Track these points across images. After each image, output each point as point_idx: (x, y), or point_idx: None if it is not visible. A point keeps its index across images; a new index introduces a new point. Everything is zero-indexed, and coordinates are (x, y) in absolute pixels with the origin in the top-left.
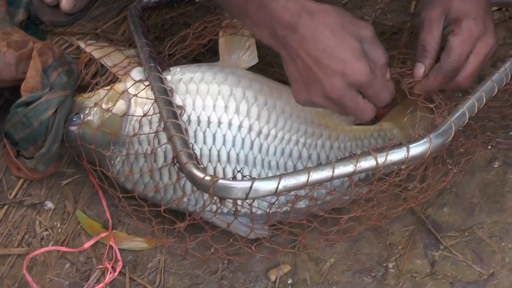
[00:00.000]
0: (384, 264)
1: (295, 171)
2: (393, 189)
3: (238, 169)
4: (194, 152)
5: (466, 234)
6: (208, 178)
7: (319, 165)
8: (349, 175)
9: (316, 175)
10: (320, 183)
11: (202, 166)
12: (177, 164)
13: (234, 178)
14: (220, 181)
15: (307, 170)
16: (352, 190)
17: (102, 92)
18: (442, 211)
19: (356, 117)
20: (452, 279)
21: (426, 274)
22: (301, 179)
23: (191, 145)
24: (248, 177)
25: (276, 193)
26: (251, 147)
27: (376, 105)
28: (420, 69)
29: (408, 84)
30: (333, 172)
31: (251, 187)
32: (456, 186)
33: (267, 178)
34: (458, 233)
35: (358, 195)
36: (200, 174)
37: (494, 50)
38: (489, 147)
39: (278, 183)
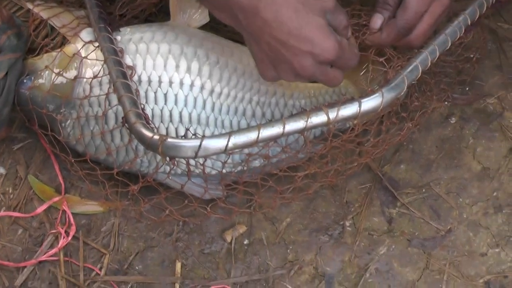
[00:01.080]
0: (341, 223)
1: (245, 128)
2: (348, 145)
3: (191, 129)
4: (144, 112)
5: (423, 190)
6: (156, 137)
7: (269, 122)
8: (301, 131)
9: (267, 132)
10: (271, 140)
11: (153, 126)
12: (126, 124)
13: (183, 136)
14: (169, 139)
15: (257, 127)
16: (307, 148)
17: (53, 54)
18: (399, 168)
19: (327, 85)
20: (409, 236)
21: (383, 231)
22: (251, 136)
23: (142, 105)
24: (198, 135)
25: (226, 150)
26: (204, 106)
27: (344, 71)
28: (378, 20)
29: (362, 34)
30: (283, 128)
31: (200, 145)
32: (413, 142)
33: (216, 135)
34: (415, 189)
35: (314, 153)
36: (148, 133)
37: (448, 10)
38: (446, 102)
39: (228, 141)
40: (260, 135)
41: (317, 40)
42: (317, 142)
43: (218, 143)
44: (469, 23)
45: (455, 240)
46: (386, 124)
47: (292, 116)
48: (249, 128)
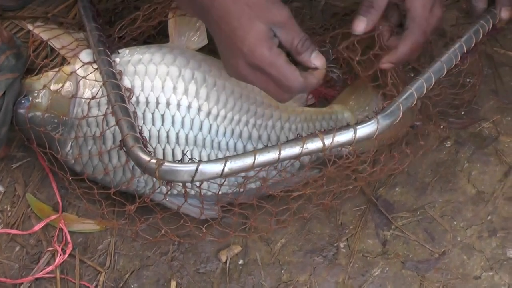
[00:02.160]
0: (336, 244)
1: (241, 154)
2: (344, 172)
3: (188, 150)
4: (142, 136)
5: (418, 213)
6: (154, 161)
7: (265, 147)
8: (296, 157)
9: (263, 157)
10: (266, 165)
11: (149, 149)
12: (124, 148)
13: (180, 161)
14: (166, 164)
15: (253, 152)
16: (303, 173)
17: (50, 74)
18: (394, 190)
19: (272, 97)
20: (403, 258)
21: (377, 253)
22: (247, 161)
23: (140, 127)
24: (194, 159)
25: (222, 175)
26: (200, 128)
27: (285, 91)
28: (361, 23)
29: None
30: (279, 154)
31: (196, 169)
32: (408, 165)
33: (213, 160)
34: (410, 212)
35: (310, 177)
36: (145, 157)
37: (440, 23)
38: (441, 126)
39: (224, 166)
40: (256, 160)
41: (248, 42)
42: (313, 166)
43: (215, 168)
44: (465, 50)
45: (449, 263)
46: (384, 155)
47: (288, 141)
48: (245, 153)
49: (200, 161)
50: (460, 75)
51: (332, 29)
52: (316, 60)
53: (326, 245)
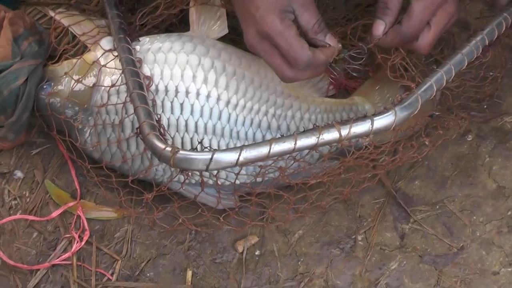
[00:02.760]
0: (353, 237)
1: (257, 143)
2: (362, 162)
3: (206, 139)
4: (159, 123)
5: (437, 207)
6: (169, 149)
7: (281, 137)
8: (312, 147)
9: (278, 147)
10: (282, 155)
11: (167, 137)
12: (140, 134)
13: (195, 149)
14: (181, 152)
15: (269, 141)
16: (323, 164)
17: (72, 61)
18: (413, 183)
19: (276, 73)
20: (421, 252)
21: (395, 247)
22: (263, 150)
23: (159, 115)
24: (209, 148)
25: (237, 164)
26: (219, 117)
27: (291, 66)
28: (380, 26)
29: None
30: (295, 144)
31: (211, 158)
32: (428, 159)
33: (228, 149)
34: (429, 206)
35: (329, 168)
36: (161, 145)
37: (455, 19)
38: (462, 118)
39: (239, 155)
40: (271, 150)
41: (262, 9)
42: (332, 157)
43: (229, 157)
44: (487, 43)
45: (467, 258)
46: (403, 145)
47: (304, 132)
48: (260, 142)
49: (215, 150)
50: (482, 68)
51: (355, 20)
52: (330, 41)
53: (343, 237)
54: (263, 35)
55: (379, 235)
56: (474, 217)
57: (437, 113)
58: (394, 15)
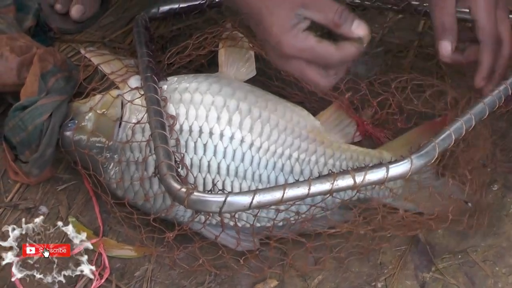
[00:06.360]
0: (373, 284)
1: (271, 187)
2: (387, 211)
3: (228, 181)
4: (182, 163)
5: (460, 256)
6: (183, 190)
7: (295, 182)
8: (326, 193)
9: (292, 192)
10: (296, 200)
11: (187, 177)
12: (158, 174)
13: (210, 191)
14: (195, 193)
15: (282, 186)
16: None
17: (97, 97)
18: (436, 232)
19: (313, 86)
20: None
21: None
22: (276, 195)
23: (182, 155)
24: (223, 190)
25: (251, 207)
26: (242, 159)
27: (325, 73)
28: (447, 46)
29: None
30: (309, 189)
31: (225, 201)
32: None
33: (241, 192)
34: (451, 255)
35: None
36: (176, 186)
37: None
38: (489, 169)
39: (253, 198)
40: (285, 194)
41: (274, 35)
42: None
43: (243, 200)
44: (510, 93)
45: None
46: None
47: (319, 177)
48: (274, 187)
49: (229, 193)
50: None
51: None
52: (359, 29)
53: (363, 284)
54: (286, 57)
55: (399, 283)
56: (497, 268)
57: (470, 204)
58: (455, 33)
